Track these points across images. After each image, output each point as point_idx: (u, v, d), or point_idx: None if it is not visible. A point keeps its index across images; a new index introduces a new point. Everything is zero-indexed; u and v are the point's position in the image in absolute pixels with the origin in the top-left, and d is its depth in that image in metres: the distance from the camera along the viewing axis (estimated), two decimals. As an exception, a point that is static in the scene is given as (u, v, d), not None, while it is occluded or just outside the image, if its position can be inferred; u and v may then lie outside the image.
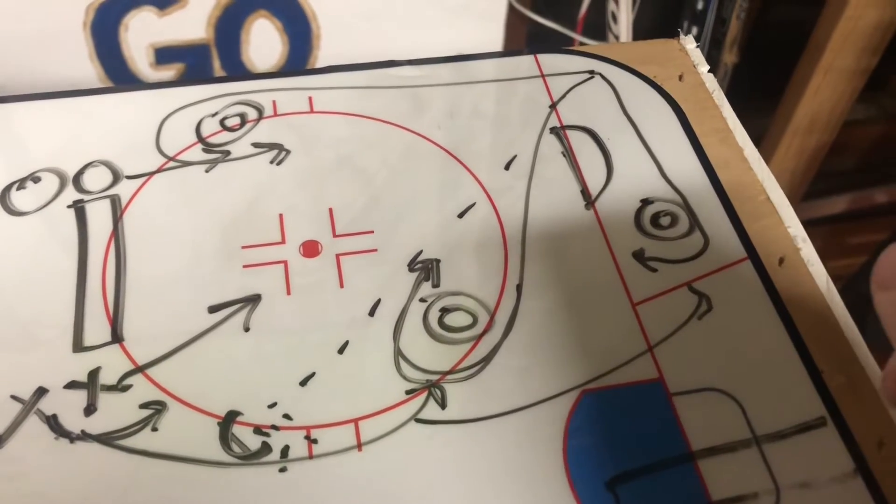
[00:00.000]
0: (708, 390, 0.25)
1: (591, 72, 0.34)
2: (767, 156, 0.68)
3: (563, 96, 0.33)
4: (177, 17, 0.51)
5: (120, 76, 0.53)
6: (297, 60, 0.55)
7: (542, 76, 0.34)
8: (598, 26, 0.61)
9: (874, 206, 0.77)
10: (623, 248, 0.28)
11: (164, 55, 0.53)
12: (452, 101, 0.33)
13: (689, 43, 0.34)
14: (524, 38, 0.62)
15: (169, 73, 0.53)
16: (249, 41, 0.53)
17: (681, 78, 0.33)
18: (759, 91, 0.65)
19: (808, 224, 0.29)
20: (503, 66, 0.34)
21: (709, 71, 0.33)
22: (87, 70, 0.52)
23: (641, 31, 0.61)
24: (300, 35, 0.53)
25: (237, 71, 0.53)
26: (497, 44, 0.53)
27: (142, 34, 0.51)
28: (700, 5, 0.69)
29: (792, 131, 0.67)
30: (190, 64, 0.53)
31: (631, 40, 0.57)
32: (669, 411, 0.24)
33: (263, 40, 0.53)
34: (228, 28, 0.52)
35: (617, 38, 0.59)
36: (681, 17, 0.71)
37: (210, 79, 0.36)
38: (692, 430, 0.24)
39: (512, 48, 0.57)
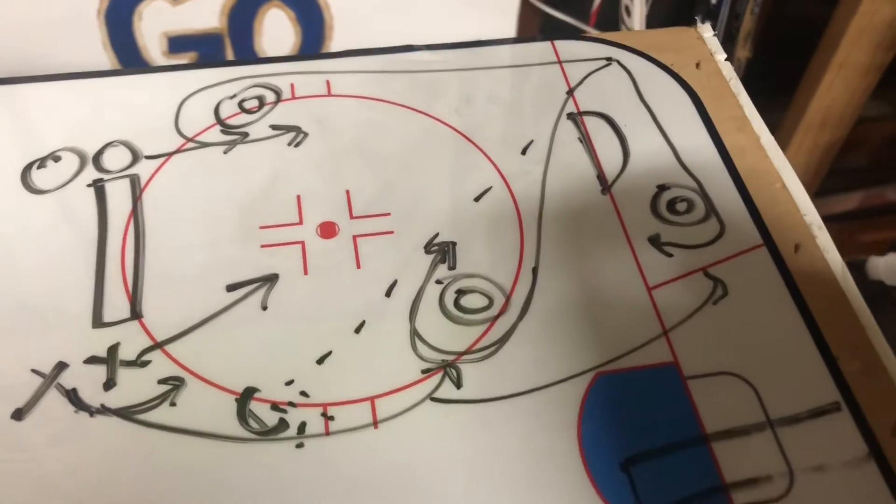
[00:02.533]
0: (723, 374, 0.25)
1: (609, 59, 0.34)
2: (782, 144, 0.68)
3: (581, 82, 0.33)
4: (190, 6, 0.51)
5: (132, 64, 0.53)
6: (310, 50, 0.55)
7: (560, 62, 0.34)
8: (612, 19, 0.61)
9: (887, 204, 0.77)
10: (639, 232, 0.28)
11: (177, 44, 0.53)
12: (469, 85, 0.33)
13: (706, 31, 0.34)
14: (537, 31, 0.62)
15: (182, 61, 0.53)
16: (262, 31, 0.53)
17: (698, 66, 0.33)
18: (773, 86, 0.65)
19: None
20: (520, 51, 0.34)
21: (725, 59, 0.33)
22: (101, 57, 0.52)
23: (655, 24, 0.61)
24: (313, 25, 0.53)
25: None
26: (510, 36, 0.53)
27: (155, 23, 0.51)
28: (714, 0, 0.69)
29: (805, 127, 0.66)
30: (203, 53, 0.54)
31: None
32: (684, 394, 0.24)
33: (276, 30, 0.53)
34: (242, 17, 0.52)
35: (630, 31, 0.59)
36: (694, 12, 0.71)
37: (228, 62, 0.36)
38: (706, 413, 0.24)
39: (525, 39, 0.57)
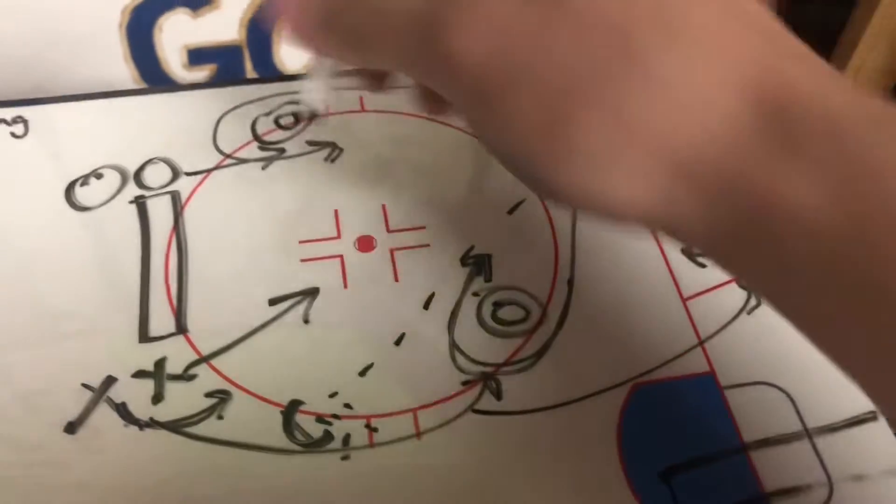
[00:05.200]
0: (759, 384, 0.25)
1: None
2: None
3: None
4: (210, 18, 0.52)
5: (153, 77, 0.53)
6: (329, 61, 0.55)
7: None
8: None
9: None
10: (672, 243, 0.28)
11: (196, 56, 0.54)
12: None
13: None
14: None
15: (202, 73, 0.54)
16: (281, 42, 0.54)
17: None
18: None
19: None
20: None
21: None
22: (122, 71, 0.53)
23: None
24: (332, 36, 0.54)
25: (269, 72, 0.54)
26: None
27: (175, 35, 0.52)
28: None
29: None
30: (222, 65, 0.54)
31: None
32: (721, 404, 0.25)
33: (296, 41, 0.54)
34: (260, 29, 0.53)
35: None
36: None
37: (263, 79, 0.36)
38: (744, 422, 0.24)
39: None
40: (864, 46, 0.65)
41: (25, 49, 0.49)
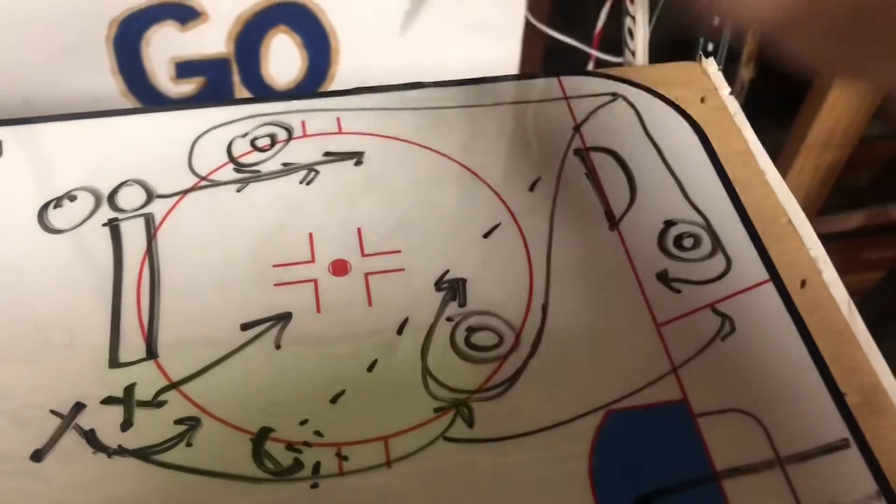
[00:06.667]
0: (731, 411, 0.25)
1: (614, 94, 0.34)
2: (783, 171, 0.68)
3: (587, 119, 0.33)
4: (198, 31, 0.52)
5: (141, 90, 0.53)
6: (317, 75, 0.55)
7: (566, 98, 0.34)
8: (615, 42, 0.61)
9: (890, 222, 0.77)
10: (647, 269, 0.28)
11: (184, 69, 0.53)
12: (477, 122, 0.33)
13: (710, 66, 0.35)
14: (541, 54, 0.63)
15: (189, 87, 0.53)
16: (269, 56, 0.54)
17: (703, 100, 0.34)
18: (776, 106, 0.65)
19: (823, 239, 0.29)
20: (527, 88, 0.35)
21: (730, 93, 0.33)
22: (109, 84, 0.53)
23: (657, 48, 0.62)
24: (319, 50, 0.54)
25: (257, 85, 0.54)
26: (514, 59, 0.54)
27: (163, 48, 0.52)
28: (717, 21, 0.69)
29: (808, 146, 0.67)
30: (210, 78, 0.54)
31: (647, 56, 0.57)
32: (694, 432, 0.24)
33: (283, 55, 0.54)
34: (248, 43, 0.53)
35: (633, 53, 0.60)
36: (697, 34, 0.72)
37: (240, 100, 0.36)
38: (716, 450, 0.24)
39: (529, 64, 0.57)
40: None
41: (13, 62, 0.49)
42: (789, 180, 0.68)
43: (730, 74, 0.69)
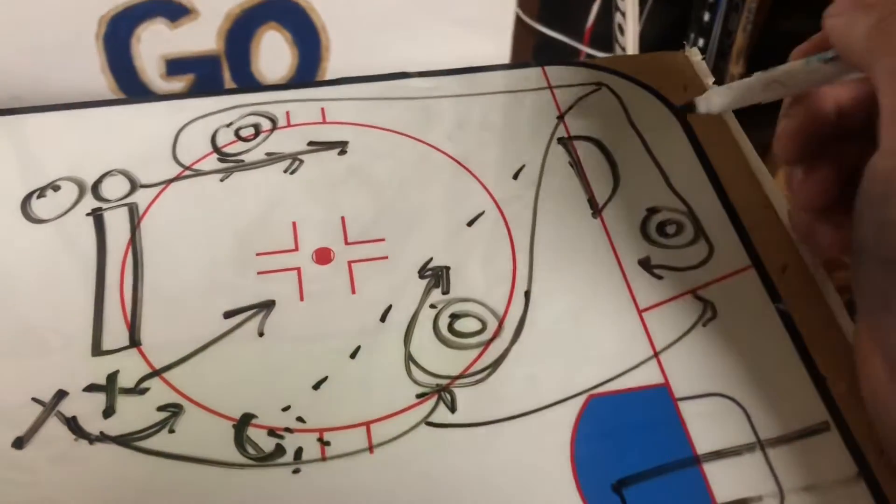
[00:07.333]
0: (713, 395, 0.25)
1: (598, 84, 0.34)
2: (771, 167, 0.68)
3: (571, 107, 0.33)
4: (188, 28, 0.52)
5: (131, 87, 0.53)
6: (307, 71, 0.55)
7: (550, 88, 0.34)
8: (605, 38, 0.62)
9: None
10: (629, 255, 0.29)
11: (174, 66, 0.53)
12: (462, 112, 0.33)
13: (694, 56, 0.35)
14: (532, 49, 0.63)
15: (180, 84, 0.54)
16: (259, 52, 0.54)
17: (685, 89, 0.34)
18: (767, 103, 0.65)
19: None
20: (511, 77, 0.35)
21: (714, 83, 0.34)
22: (99, 81, 0.53)
23: (648, 43, 0.62)
24: (310, 46, 0.54)
25: (247, 82, 0.54)
26: (505, 55, 0.54)
27: (153, 46, 0.52)
28: (706, 17, 0.70)
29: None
30: (200, 75, 0.54)
31: (637, 52, 0.58)
32: (675, 416, 0.25)
33: (273, 51, 0.54)
34: (239, 40, 0.53)
35: (623, 49, 0.60)
36: (687, 29, 0.72)
37: (224, 90, 0.36)
38: (697, 434, 0.24)
39: (519, 59, 0.58)
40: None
41: (1, 60, 0.49)
42: (777, 176, 0.68)
43: (719, 71, 0.69)
